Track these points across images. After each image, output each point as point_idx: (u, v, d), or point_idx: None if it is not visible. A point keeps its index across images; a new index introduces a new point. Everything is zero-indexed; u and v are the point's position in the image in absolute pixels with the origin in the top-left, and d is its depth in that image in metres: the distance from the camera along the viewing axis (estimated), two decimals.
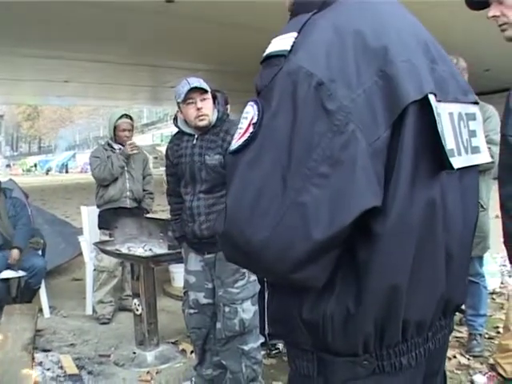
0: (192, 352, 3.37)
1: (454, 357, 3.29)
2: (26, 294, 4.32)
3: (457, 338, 3.56)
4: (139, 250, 3.60)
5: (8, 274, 4.25)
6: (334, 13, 0.88)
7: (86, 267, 4.63)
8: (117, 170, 4.25)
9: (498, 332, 3.59)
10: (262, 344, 2.95)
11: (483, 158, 1.04)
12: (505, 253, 1.51)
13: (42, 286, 4.38)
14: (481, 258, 3.41)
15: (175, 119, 2.88)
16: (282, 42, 0.85)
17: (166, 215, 3.36)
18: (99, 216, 4.39)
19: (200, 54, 10.63)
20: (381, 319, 0.86)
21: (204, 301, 2.85)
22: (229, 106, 3.54)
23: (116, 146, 4.37)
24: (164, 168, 3.10)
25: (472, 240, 1.08)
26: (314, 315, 0.87)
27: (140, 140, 33.85)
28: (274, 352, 3.45)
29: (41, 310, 4.29)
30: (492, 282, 4.46)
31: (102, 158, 4.28)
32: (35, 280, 4.26)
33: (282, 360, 3.29)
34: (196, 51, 10.37)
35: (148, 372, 3.32)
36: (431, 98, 0.84)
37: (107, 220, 4.17)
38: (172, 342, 3.77)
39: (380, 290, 0.84)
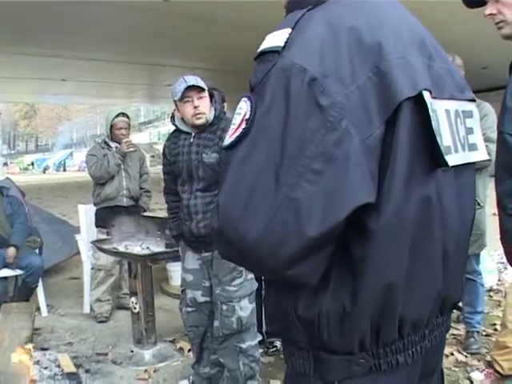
0: (189, 350, 3.37)
1: (452, 354, 3.30)
2: (23, 292, 4.32)
3: (454, 335, 3.56)
4: (136, 248, 3.60)
5: (5, 272, 4.26)
6: (328, 9, 0.88)
7: (84, 266, 4.63)
8: (113, 168, 4.24)
9: (496, 329, 3.60)
10: (260, 342, 2.95)
11: (480, 155, 1.04)
12: (502, 250, 1.50)
13: (40, 284, 4.38)
14: (478, 256, 3.42)
15: (172, 117, 2.88)
16: (275, 38, 0.85)
17: (164, 213, 3.36)
18: (96, 214, 4.39)
19: (197, 52, 10.62)
20: (377, 317, 0.86)
21: (201, 299, 2.85)
22: (226, 104, 3.54)
23: (113, 145, 4.36)
24: (161, 166, 3.09)
25: (469, 237, 1.07)
26: (309, 313, 0.87)
27: (137, 138, 33.84)
28: (271, 350, 3.45)
29: (38, 309, 4.29)
30: (489, 279, 4.48)
31: (99, 156, 4.28)
32: (32, 279, 4.26)
33: (280, 358, 3.29)
34: (193, 49, 10.35)
35: (146, 370, 3.32)
36: (425, 94, 0.84)
37: (104, 218, 4.17)
38: (170, 341, 3.77)
39: (376, 287, 0.84)
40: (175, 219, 2.91)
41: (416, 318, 0.92)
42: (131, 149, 4.32)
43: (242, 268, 2.60)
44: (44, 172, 40.29)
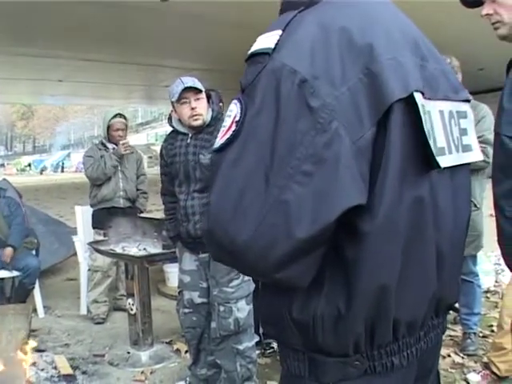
0: (186, 352, 3.36)
1: (449, 355, 3.30)
2: (19, 293, 4.30)
3: (451, 336, 3.56)
4: (133, 249, 3.59)
5: (2, 273, 4.25)
6: (320, 10, 0.88)
7: (80, 267, 4.62)
8: (110, 169, 4.24)
9: (492, 331, 3.60)
10: (257, 343, 2.95)
11: (475, 156, 1.03)
12: (499, 251, 1.50)
13: (36, 285, 4.37)
14: (474, 257, 3.42)
15: (169, 118, 2.88)
16: (266, 40, 0.85)
17: (161, 215, 3.36)
18: (93, 216, 4.38)
19: (195, 53, 10.63)
20: (371, 319, 0.86)
21: (199, 300, 2.85)
22: (222, 105, 3.53)
23: (110, 146, 4.36)
24: (158, 167, 3.09)
25: (464, 239, 1.07)
26: (304, 315, 0.87)
27: (135, 139, 33.79)
28: (268, 351, 3.45)
29: (35, 310, 4.28)
30: (486, 280, 4.48)
31: (96, 158, 4.27)
32: (29, 280, 4.25)
33: (277, 359, 3.28)
34: (190, 50, 10.36)
35: (142, 372, 3.31)
36: (417, 96, 0.83)
37: (101, 220, 4.17)
38: (166, 342, 3.76)
39: (369, 289, 0.84)
40: (172, 220, 2.91)
41: (410, 320, 0.91)
42: (128, 151, 4.33)
43: None
44: (41, 173, 40.25)
